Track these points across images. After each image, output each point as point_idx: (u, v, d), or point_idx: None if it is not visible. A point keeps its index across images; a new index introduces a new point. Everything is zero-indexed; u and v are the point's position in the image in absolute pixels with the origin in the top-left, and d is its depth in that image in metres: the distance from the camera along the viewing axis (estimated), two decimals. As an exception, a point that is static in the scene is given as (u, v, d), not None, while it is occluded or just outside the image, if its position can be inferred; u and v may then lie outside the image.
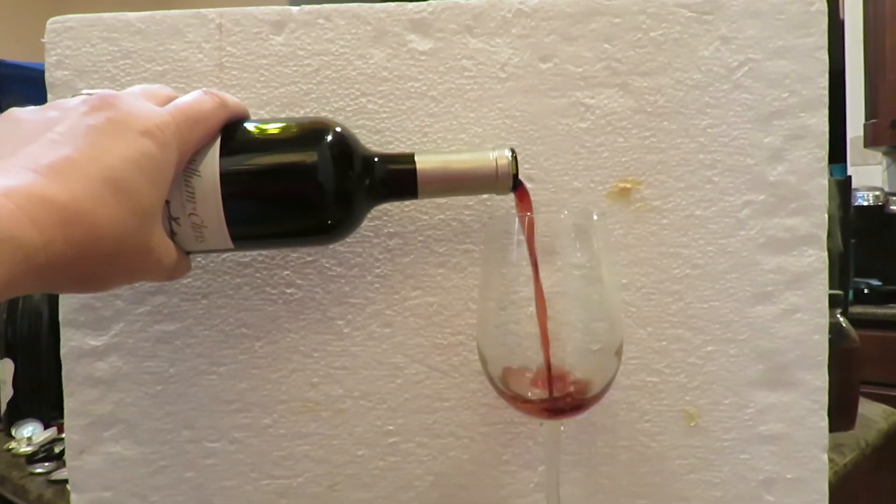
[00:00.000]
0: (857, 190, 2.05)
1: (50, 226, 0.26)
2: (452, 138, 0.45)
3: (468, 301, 0.45)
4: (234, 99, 0.37)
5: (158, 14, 0.45)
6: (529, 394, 0.38)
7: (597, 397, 0.38)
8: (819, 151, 0.44)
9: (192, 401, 0.46)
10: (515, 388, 0.38)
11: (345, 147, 0.37)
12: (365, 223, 0.44)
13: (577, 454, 0.45)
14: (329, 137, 0.37)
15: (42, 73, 0.45)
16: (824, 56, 0.44)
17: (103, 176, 0.28)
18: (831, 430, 0.45)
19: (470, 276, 0.45)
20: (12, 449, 0.96)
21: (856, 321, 0.97)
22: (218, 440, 0.46)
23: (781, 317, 0.44)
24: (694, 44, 0.44)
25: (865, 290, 1.95)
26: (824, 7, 0.44)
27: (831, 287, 0.46)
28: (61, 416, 0.46)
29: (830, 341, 0.45)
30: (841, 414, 0.88)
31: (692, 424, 0.45)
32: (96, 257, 0.28)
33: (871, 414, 0.99)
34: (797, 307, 0.44)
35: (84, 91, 0.33)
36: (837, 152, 2.26)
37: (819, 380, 0.44)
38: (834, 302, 0.76)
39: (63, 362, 0.46)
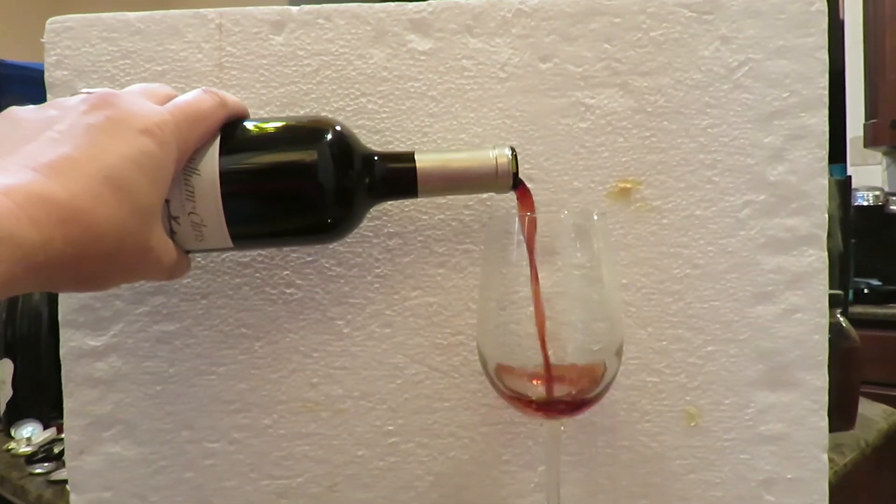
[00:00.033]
0: (857, 190, 2.05)
1: (49, 224, 0.26)
2: (452, 138, 0.45)
3: (468, 301, 0.45)
4: (233, 98, 0.37)
5: (158, 14, 0.45)
6: (529, 394, 0.38)
7: (597, 397, 0.38)
8: (819, 151, 0.44)
9: (191, 401, 0.46)
10: (515, 388, 0.38)
11: (345, 146, 0.37)
12: (365, 223, 0.44)
13: (577, 454, 0.45)
14: (329, 136, 0.37)
15: (41, 73, 0.45)
16: (824, 56, 0.44)
17: (103, 174, 0.28)
18: (831, 430, 0.45)
19: (470, 276, 0.45)
20: (12, 449, 0.95)
21: (856, 321, 0.97)
22: (217, 440, 0.46)
23: (782, 317, 0.44)
24: (694, 44, 0.44)
25: (865, 290, 1.95)
26: (824, 7, 0.44)
27: (831, 287, 0.46)
28: (61, 416, 0.46)
29: (830, 341, 0.45)
30: (841, 414, 0.88)
31: (692, 424, 0.45)
32: (96, 256, 0.28)
33: (872, 414, 0.99)
34: (797, 307, 0.44)
35: (83, 90, 0.33)
36: (837, 152, 2.26)
37: (819, 380, 0.44)
38: (834, 302, 0.76)
39: (62, 362, 0.46)
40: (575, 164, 0.45)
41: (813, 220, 0.44)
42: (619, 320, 0.38)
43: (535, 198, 0.41)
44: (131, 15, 0.45)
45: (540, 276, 0.36)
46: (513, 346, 0.38)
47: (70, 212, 0.27)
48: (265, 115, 0.45)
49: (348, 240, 0.45)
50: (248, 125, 0.37)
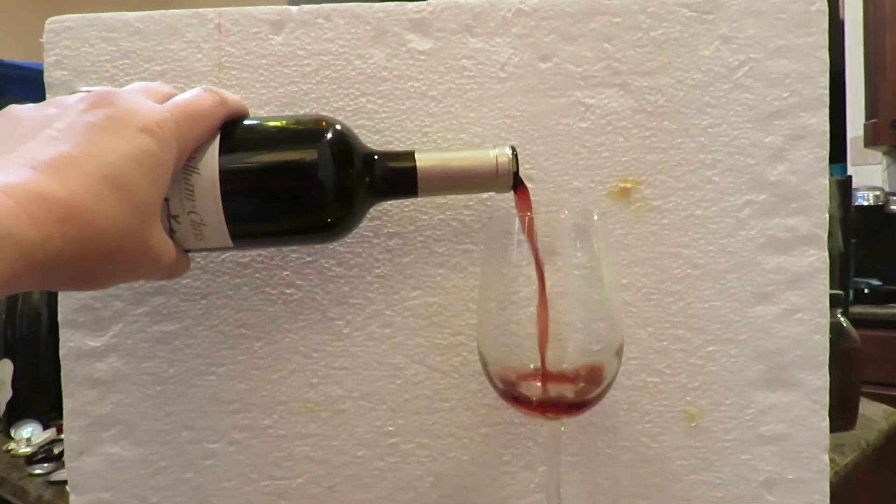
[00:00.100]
0: (857, 190, 2.05)
1: (48, 223, 0.26)
2: (452, 138, 0.45)
3: (468, 301, 0.45)
4: (233, 97, 0.37)
5: (157, 14, 0.45)
6: (530, 394, 0.37)
7: (597, 398, 0.38)
8: (820, 151, 0.44)
9: (191, 401, 0.46)
10: (515, 388, 0.38)
11: (345, 145, 0.37)
12: (364, 223, 0.44)
13: (577, 455, 0.45)
14: (329, 135, 0.37)
15: (41, 73, 0.45)
16: (825, 55, 0.44)
17: (102, 173, 0.28)
18: (832, 430, 0.45)
19: (470, 277, 0.45)
20: (11, 450, 0.95)
21: (856, 321, 0.97)
22: (217, 441, 0.46)
23: (782, 317, 0.44)
24: (694, 43, 0.44)
25: (866, 290, 1.95)
26: (825, 6, 0.44)
27: (832, 287, 0.46)
28: (60, 416, 0.46)
29: (831, 341, 0.45)
30: (842, 414, 0.88)
31: (693, 425, 0.45)
32: (95, 254, 0.28)
33: (872, 414, 0.99)
34: (798, 307, 0.44)
35: (83, 88, 0.33)
36: (837, 152, 2.26)
37: (820, 380, 0.44)
38: (834, 302, 0.76)
39: (62, 363, 0.46)
40: (575, 163, 0.45)
41: (813, 219, 0.44)
42: (619, 320, 0.38)
43: (535, 198, 0.41)
44: (130, 15, 0.45)
45: (544, 274, 0.36)
46: (513, 346, 0.38)
47: (69, 210, 0.27)
48: (265, 115, 0.45)
49: (348, 240, 0.44)
50: (249, 124, 0.37)
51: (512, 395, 0.38)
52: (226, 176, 0.35)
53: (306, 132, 0.37)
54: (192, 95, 0.34)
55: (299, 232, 0.38)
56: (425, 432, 0.46)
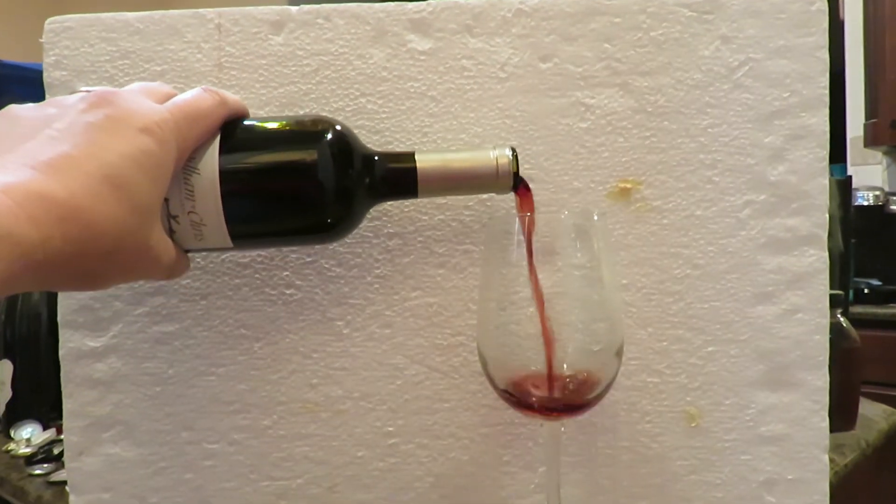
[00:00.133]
0: (857, 190, 2.05)
1: (48, 223, 0.26)
2: (452, 138, 0.45)
3: (468, 302, 0.45)
4: (233, 97, 0.37)
5: (157, 14, 0.45)
6: (530, 394, 0.37)
7: (597, 398, 0.38)
8: (820, 151, 0.44)
9: (191, 402, 0.46)
10: (515, 388, 0.38)
11: (345, 145, 0.37)
12: (364, 223, 0.44)
13: (577, 455, 0.45)
14: (329, 135, 0.37)
15: (40, 73, 0.45)
16: (825, 55, 0.44)
17: (102, 173, 0.28)
18: (832, 430, 0.45)
19: (470, 277, 0.45)
20: (11, 450, 0.95)
21: (856, 321, 0.97)
22: (217, 441, 0.46)
23: (782, 317, 0.44)
24: (694, 43, 0.44)
25: (865, 290, 1.95)
26: (825, 6, 0.44)
27: (831, 287, 0.46)
28: (60, 417, 0.46)
29: (831, 341, 0.45)
30: (841, 414, 0.88)
31: (693, 425, 0.45)
32: (94, 254, 0.28)
33: (872, 414, 0.99)
34: (798, 307, 0.44)
35: (83, 88, 0.33)
36: (837, 152, 2.26)
37: (820, 380, 0.44)
38: (834, 302, 0.76)
39: (62, 363, 0.46)
40: (575, 164, 0.45)
41: (813, 220, 0.44)
42: (619, 321, 0.38)
43: (535, 198, 0.41)
44: (130, 15, 0.45)
45: (540, 276, 0.36)
46: (513, 346, 0.38)
47: (69, 210, 0.27)
48: (265, 115, 0.45)
49: (348, 240, 0.44)
50: (249, 124, 0.37)
51: (512, 395, 0.38)
52: (226, 176, 0.35)
53: (306, 133, 0.37)
54: (192, 95, 0.34)
55: (299, 232, 0.38)
56: (425, 433, 0.45)
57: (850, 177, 1.90)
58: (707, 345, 0.45)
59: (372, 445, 0.46)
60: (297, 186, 0.36)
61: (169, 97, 0.34)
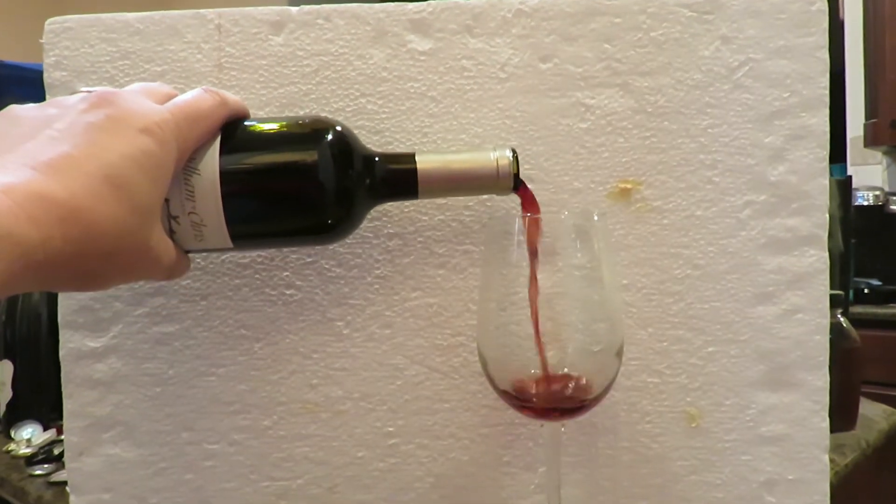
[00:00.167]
0: (857, 190, 2.05)
1: (48, 223, 0.26)
2: (452, 139, 0.45)
3: (468, 302, 0.45)
4: (234, 97, 0.37)
5: (157, 14, 0.45)
6: (530, 395, 0.37)
7: (598, 399, 0.38)
8: (820, 151, 0.44)
9: (191, 402, 0.46)
10: (516, 389, 0.38)
11: (345, 146, 0.37)
12: (365, 224, 0.44)
13: (577, 455, 0.45)
14: (329, 136, 0.37)
15: (40, 73, 0.45)
16: (825, 55, 0.44)
17: (102, 173, 0.28)
18: (832, 430, 0.45)
19: (470, 277, 0.45)
20: (11, 450, 0.95)
21: (856, 321, 0.97)
22: (217, 442, 0.46)
23: (782, 317, 0.44)
24: (694, 43, 0.44)
25: (866, 290, 1.95)
26: (825, 6, 0.44)
27: (832, 287, 0.46)
28: (60, 417, 0.46)
29: (831, 341, 0.45)
30: (842, 414, 0.88)
31: (693, 425, 0.45)
32: (95, 255, 0.28)
33: (872, 414, 0.99)
34: (798, 307, 0.44)
35: (83, 89, 0.33)
36: (837, 152, 2.26)
37: (820, 380, 0.44)
38: (835, 302, 0.76)
39: (62, 364, 0.46)
40: (575, 164, 0.45)
41: (814, 220, 0.44)
42: (619, 321, 0.38)
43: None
44: (130, 15, 0.45)
45: (540, 276, 0.36)
46: (513, 347, 0.38)
47: (69, 210, 0.27)
48: (265, 116, 0.45)
49: (348, 241, 0.44)
50: (249, 125, 0.37)
51: (512, 395, 0.38)
52: (226, 177, 0.35)
53: (306, 133, 0.37)
54: (193, 96, 0.34)
55: (299, 233, 0.38)
56: (425, 433, 0.45)
57: (850, 177, 1.90)
58: (707, 345, 0.45)
59: (372, 446, 0.46)
60: (298, 187, 0.36)
61: (169, 98, 0.34)
